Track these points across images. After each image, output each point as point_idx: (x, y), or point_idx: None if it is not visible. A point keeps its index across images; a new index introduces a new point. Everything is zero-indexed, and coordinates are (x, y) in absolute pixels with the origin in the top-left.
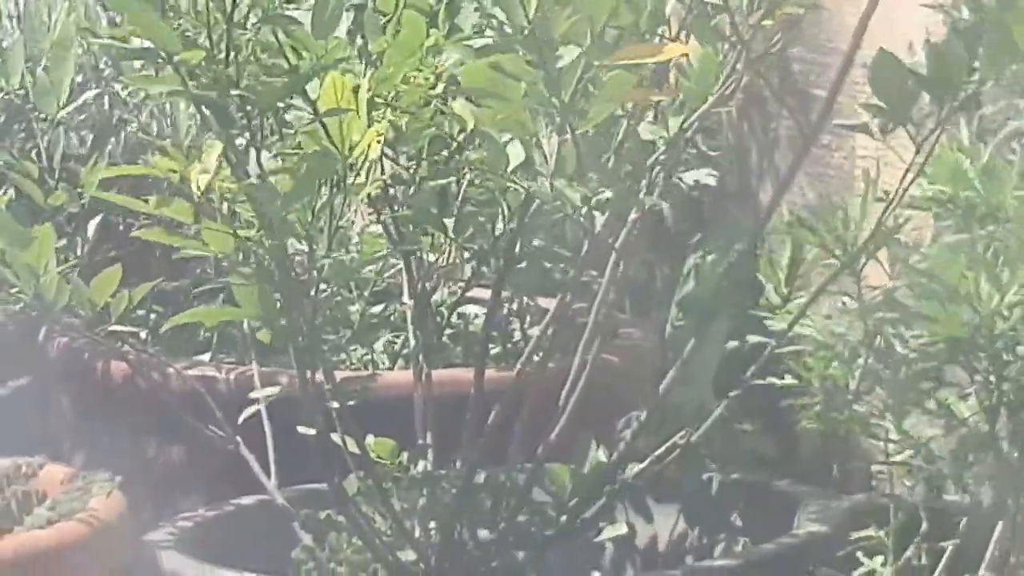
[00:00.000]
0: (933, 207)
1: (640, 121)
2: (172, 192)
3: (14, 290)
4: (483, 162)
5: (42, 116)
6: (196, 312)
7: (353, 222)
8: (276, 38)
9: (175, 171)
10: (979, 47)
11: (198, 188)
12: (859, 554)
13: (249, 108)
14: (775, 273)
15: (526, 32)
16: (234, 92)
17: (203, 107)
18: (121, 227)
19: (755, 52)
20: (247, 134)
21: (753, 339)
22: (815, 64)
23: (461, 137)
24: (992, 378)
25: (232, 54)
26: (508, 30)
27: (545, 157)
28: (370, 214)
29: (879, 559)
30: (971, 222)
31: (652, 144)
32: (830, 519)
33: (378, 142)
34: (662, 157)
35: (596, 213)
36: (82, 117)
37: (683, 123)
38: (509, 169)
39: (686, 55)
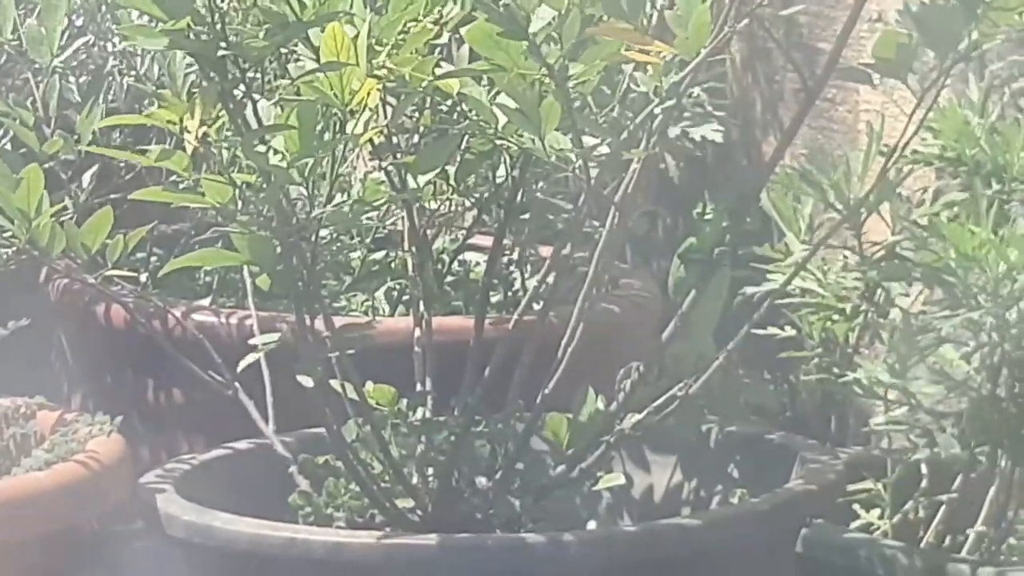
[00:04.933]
0: (937, 163)
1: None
2: (172, 139)
3: (7, 234)
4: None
5: (36, 65)
6: (193, 256)
7: (355, 168)
8: None
9: (173, 122)
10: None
11: (195, 138)
12: (856, 507)
13: (241, 60)
14: (795, 222)
15: (499, 5)
16: (222, 49)
17: (198, 59)
18: (122, 171)
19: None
20: (242, 85)
21: (756, 289)
22: (821, 17)
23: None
24: (995, 336)
25: (221, 10)
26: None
27: (539, 112)
28: (371, 160)
29: (876, 512)
30: (976, 180)
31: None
32: (827, 472)
33: (378, 90)
34: (657, 109)
35: (591, 165)
36: (82, 57)
37: (677, 75)
38: (500, 127)
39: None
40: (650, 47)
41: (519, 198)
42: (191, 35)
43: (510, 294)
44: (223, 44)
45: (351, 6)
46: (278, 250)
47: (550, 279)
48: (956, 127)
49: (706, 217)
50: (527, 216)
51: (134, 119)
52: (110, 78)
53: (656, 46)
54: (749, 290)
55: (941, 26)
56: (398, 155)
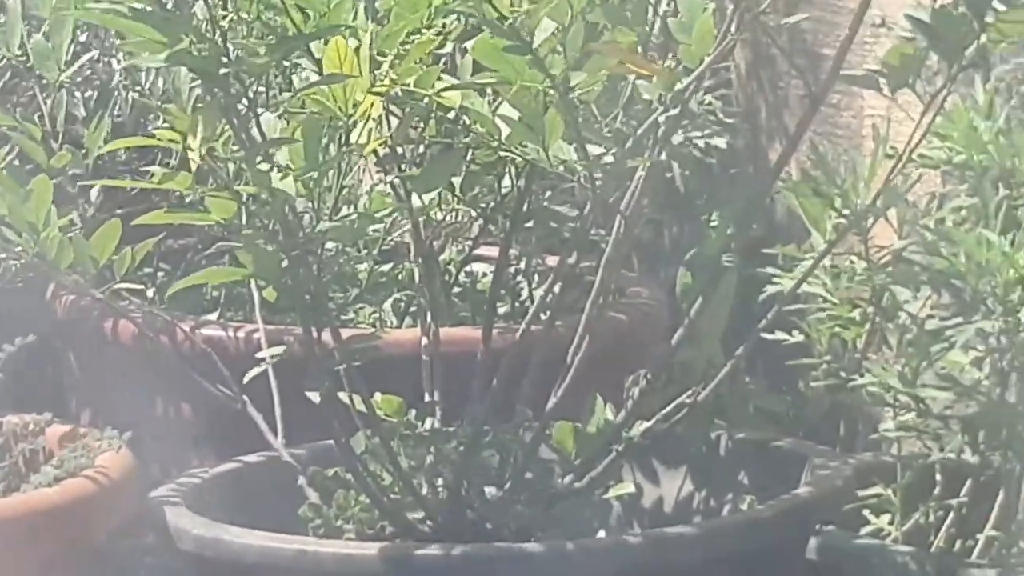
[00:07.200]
0: (943, 167)
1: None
2: (177, 154)
3: (17, 249)
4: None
5: (43, 80)
6: (199, 275)
7: (362, 180)
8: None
9: (175, 141)
10: (988, 5)
11: (198, 155)
12: (866, 512)
13: (242, 75)
14: (823, 222)
15: (504, 24)
16: (223, 66)
17: (200, 74)
18: (128, 187)
19: (755, 11)
20: (245, 100)
21: (766, 292)
22: (824, 23)
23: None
24: (1004, 341)
25: (219, 26)
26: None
27: (542, 123)
28: (377, 172)
29: (886, 517)
30: (984, 185)
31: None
32: (836, 478)
33: (381, 101)
34: (662, 118)
35: (596, 175)
36: (88, 73)
37: (680, 85)
38: (503, 138)
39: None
40: (650, 69)
41: (525, 208)
42: (193, 51)
43: (517, 304)
44: (224, 60)
45: (354, 18)
46: (284, 263)
47: (557, 288)
48: (963, 131)
49: (712, 224)
50: (533, 225)
51: (139, 141)
52: (116, 93)
53: (655, 67)
54: (771, 289)
55: (949, 33)
56: (403, 166)
